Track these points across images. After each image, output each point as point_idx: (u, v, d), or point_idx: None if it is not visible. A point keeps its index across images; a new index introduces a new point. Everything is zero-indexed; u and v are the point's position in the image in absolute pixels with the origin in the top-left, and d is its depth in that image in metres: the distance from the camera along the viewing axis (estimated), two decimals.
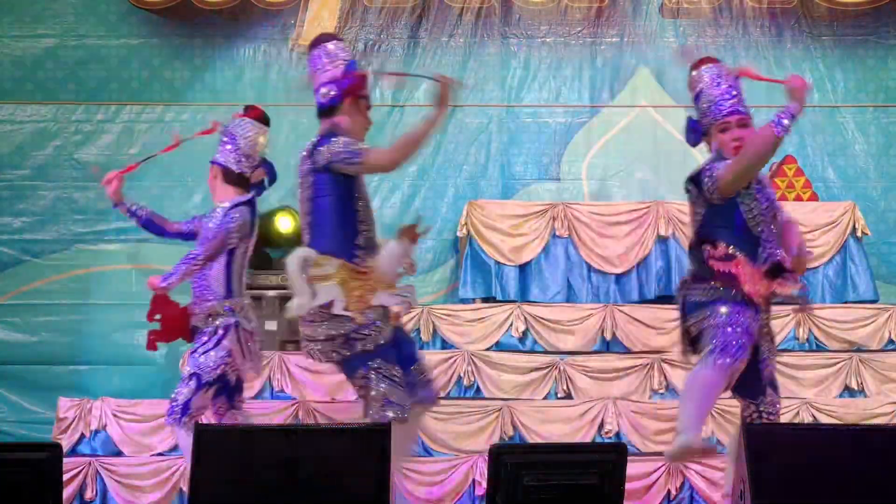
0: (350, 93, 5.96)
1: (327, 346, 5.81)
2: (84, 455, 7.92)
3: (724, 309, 5.82)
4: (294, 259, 5.78)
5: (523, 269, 9.14)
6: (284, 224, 9.28)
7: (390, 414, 5.74)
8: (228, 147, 6.92)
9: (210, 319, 6.70)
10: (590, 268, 9.13)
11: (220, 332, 6.68)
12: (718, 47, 10.06)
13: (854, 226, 9.15)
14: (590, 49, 10.07)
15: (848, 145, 9.95)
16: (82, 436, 8.01)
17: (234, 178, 6.86)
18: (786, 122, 5.75)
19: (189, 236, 6.98)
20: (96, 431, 8.03)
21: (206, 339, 6.68)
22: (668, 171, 9.99)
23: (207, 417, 6.83)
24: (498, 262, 9.13)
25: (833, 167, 9.95)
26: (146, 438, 7.97)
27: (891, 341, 8.70)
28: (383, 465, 5.10)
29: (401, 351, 5.93)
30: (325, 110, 6.00)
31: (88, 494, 7.77)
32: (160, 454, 7.92)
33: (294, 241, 9.25)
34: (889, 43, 10.10)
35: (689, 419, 5.71)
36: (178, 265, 6.71)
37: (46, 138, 9.89)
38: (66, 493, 7.52)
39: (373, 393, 5.79)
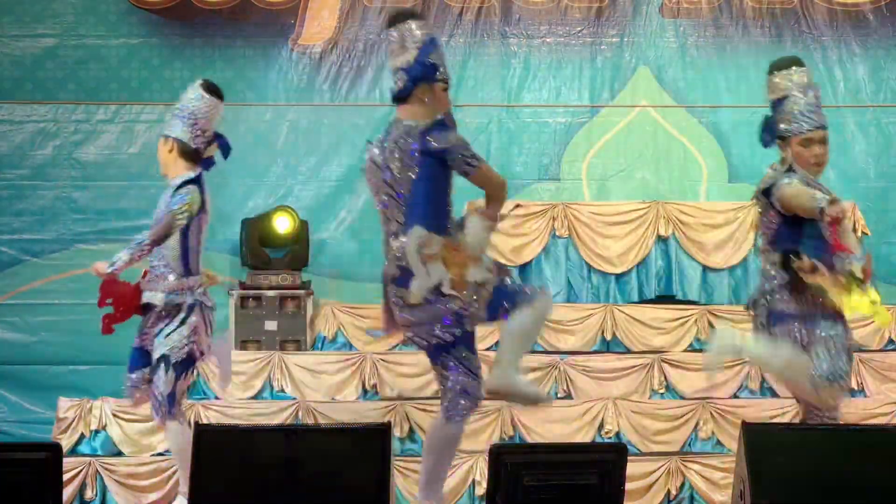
0: (422, 80, 5.79)
1: (423, 330, 5.76)
2: (84, 455, 7.92)
3: (832, 332, 5.92)
4: (412, 240, 5.72)
5: (523, 269, 9.14)
6: (282, 224, 9.27)
7: (463, 403, 5.70)
8: (184, 121, 6.84)
9: (171, 298, 6.67)
10: (590, 268, 9.13)
11: (185, 310, 6.64)
12: (718, 47, 10.07)
13: (854, 226, 9.15)
14: (590, 49, 10.07)
15: (848, 145, 9.94)
16: (82, 436, 8.00)
17: (190, 153, 6.81)
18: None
19: None
20: (96, 431, 8.02)
21: (168, 319, 6.65)
22: (668, 171, 10.00)
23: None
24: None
25: (833, 167, 9.92)
26: (146, 438, 7.97)
27: (891, 341, 8.70)
28: (383, 465, 5.10)
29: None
30: (400, 98, 5.85)
31: (88, 494, 7.76)
32: (160, 454, 7.91)
33: (292, 240, 9.28)
34: (889, 43, 10.10)
35: None
36: (124, 251, 6.66)
37: (46, 138, 9.89)
38: (66, 493, 7.51)
39: (449, 384, 5.75)
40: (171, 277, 6.69)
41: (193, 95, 6.86)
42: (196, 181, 6.75)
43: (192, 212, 6.69)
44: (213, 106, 6.86)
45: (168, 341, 6.63)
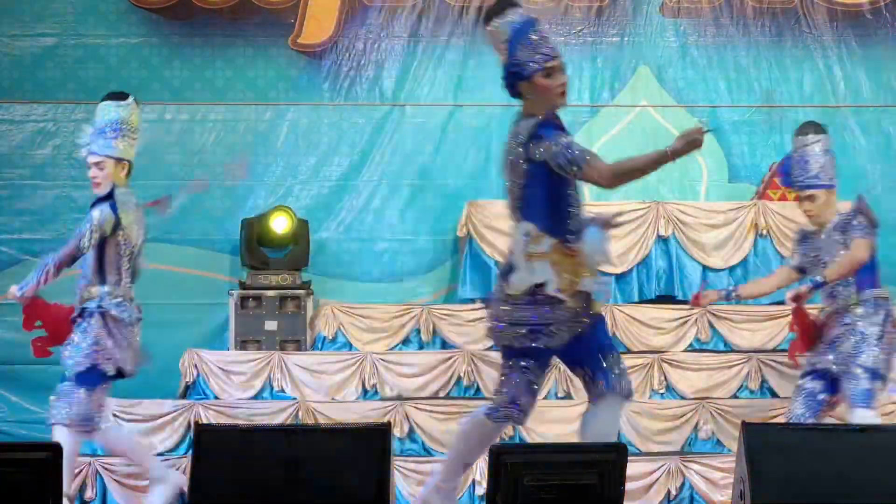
0: (517, 80, 5.67)
1: (510, 330, 5.58)
2: (84, 455, 7.91)
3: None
4: (518, 234, 5.60)
5: None
6: (280, 224, 9.27)
7: (507, 412, 5.59)
8: (129, 139, 6.78)
9: (82, 307, 6.63)
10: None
11: (86, 319, 6.62)
12: (719, 47, 10.07)
13: None
14: (590, 48, 10.07)
15: (848, 145, 9.94)
16: None
17: (127, 170, 6.77)
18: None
19: None
20: None
21: (77, 328, 6.61)
22: (668, 171, 9.95)
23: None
24: (498, 262, 9.12)
25: None
26: (146, 438, 7.97)
27: None
28: (383, 465, 5.10)
29: (598, 340, 5.71)
30: (512, 95, 5.74)
31: (88, 494, 7.76)
32: (160, 454, 7.91)
33: (289, 240, 9.29)
34: (889, 43, 10.10)
35: None
36: (32, 272, 6.60)
37: (46, 137, 9.88)
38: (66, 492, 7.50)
39: (505, 390, 5.62)
40: (84, 285, 6.66)
41: (127, 109, 6.74)
42: (106, 198, 6.68)
43: (105, 232, 6.62)
44: (134, 111, 6.80)
45: (71, 353, 6.60)
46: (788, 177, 7.14)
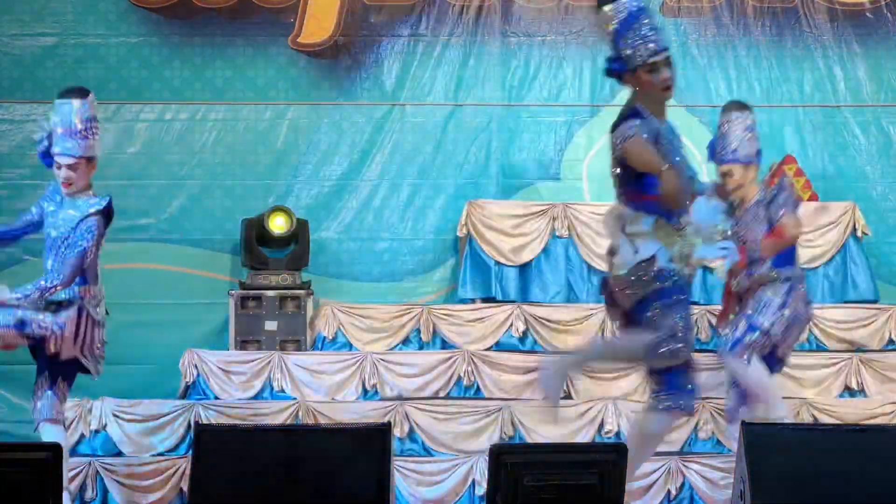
0: (620, 73, 5.69)
1: (636, 285, 5.62)
2: (84, 455, 7.91)
3: None
4: (609, 216, 5.68)
5: (523, 269, 9.14)
6: (278, 225, 9.26)
7: (672, 347, 5.59)
8: (92, 135, 6.70)
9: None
10: (590, 268, 9.13)
11: (65, 306, 6.56)
12: (719, 46, 10.06)
13: (854, 226, 9.16)
14: (590, 48, 10.06)
15: (848, 145, 9.94)
16: (82, 436, 8.00)
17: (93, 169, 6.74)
18: None
19: (38, 226, 6.78)
20: (96, 431, 8.02)
21: (48, 305, 6.56)
22: None
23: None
24: (498, 262, 9.13)
25: (833, 167, 9.94)
26: (146, 438, 7.97)
27: (891, 341, 8.70)
28: (383, 465, 5.10)
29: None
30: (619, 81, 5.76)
31: (88, 494, 7.76)
32: (160, 454, 7.92)
33: (288, 241, 9.28)
34: (889, 42, 10.09)
35: None
36: (35, 291, 6.49)
37: None
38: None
39: (662, 323, 5.58)
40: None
41: (85, 107, 6.64)
42: (105, 209, 6.68)
43: (98, 242, 6.65)
44: (94, 110, 6.74)
45: (38, 316, 6.51)
46: (712, 153, 7.24)
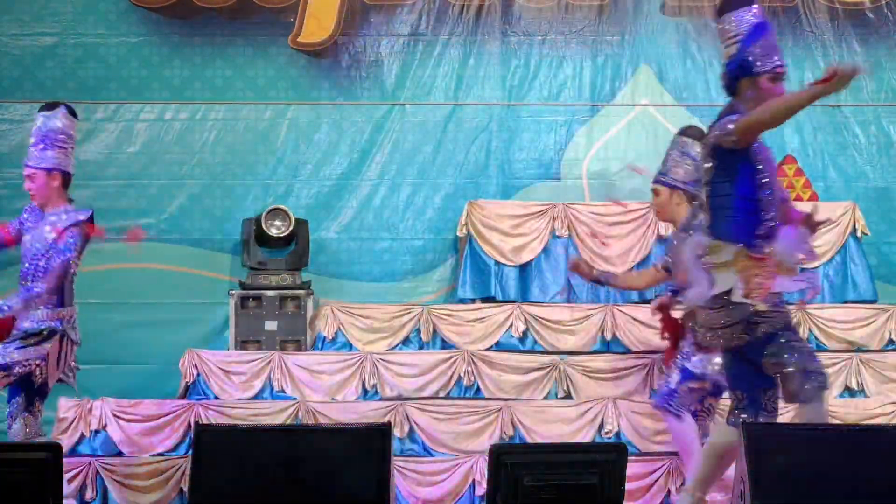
0: (741, 75, 5.70)
1: (727, 332, 5.62)
2: (84, 455, 7.91)
3: None
4: (687, 248, 5.66)
5: (523, 269, 9.14)
6: (276, 225, 9.25)
7: (811, 385, 5.59)
8: (65, 149, 6.77)
9: (39, 322, 6.60)
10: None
11: (45, 334, 6.58)
12: (719, 46, 10.04)
13: (854, 226, 9.15)
14: (591, 47, 10.06)
15: (848, 145, 9.94)
16: (82, 436, 8.00)
17: (68, 182, 6.79)
18: None
19: (11, 243, 6.87)
20: (96, 431, 8.02)
21: (28, 337, 6.57)
22: None
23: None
24: (498, 262, 9.13)
25: (833, 167, 9.94)
26: (146, 438, 7.97)
27: (891, 341, 8.70)
28: (383, 465, 5.10)
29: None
30: (729, 92, 5.76)
31: (88, 494, 7.76)
32: (160, 454, 7.91)
33: (286, 240, 9.28)
34: (889, 42, 10.09)
35: None
36: (18, 300, 6.52)
37: None
38: (66, 493, 7.50)
39: (789, 369, 5.61)
40: (41, 307, 6.60)
41: (62, 120, 6.74)
42: (87, 219, 6.70)
43: (80, 253, 6.67)
44: (73, 125, 6.83)
45: (14, 353, 6.53)
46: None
